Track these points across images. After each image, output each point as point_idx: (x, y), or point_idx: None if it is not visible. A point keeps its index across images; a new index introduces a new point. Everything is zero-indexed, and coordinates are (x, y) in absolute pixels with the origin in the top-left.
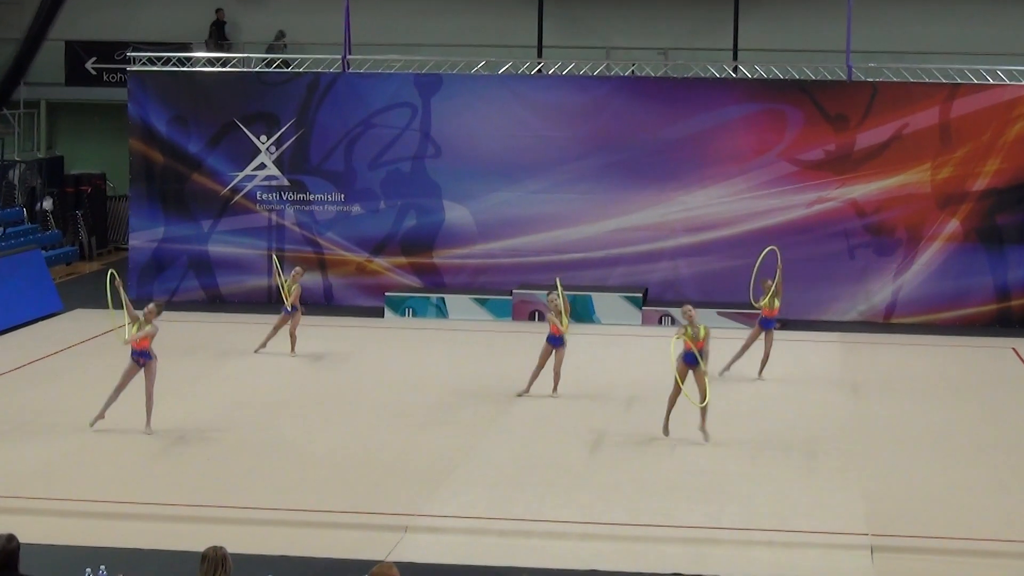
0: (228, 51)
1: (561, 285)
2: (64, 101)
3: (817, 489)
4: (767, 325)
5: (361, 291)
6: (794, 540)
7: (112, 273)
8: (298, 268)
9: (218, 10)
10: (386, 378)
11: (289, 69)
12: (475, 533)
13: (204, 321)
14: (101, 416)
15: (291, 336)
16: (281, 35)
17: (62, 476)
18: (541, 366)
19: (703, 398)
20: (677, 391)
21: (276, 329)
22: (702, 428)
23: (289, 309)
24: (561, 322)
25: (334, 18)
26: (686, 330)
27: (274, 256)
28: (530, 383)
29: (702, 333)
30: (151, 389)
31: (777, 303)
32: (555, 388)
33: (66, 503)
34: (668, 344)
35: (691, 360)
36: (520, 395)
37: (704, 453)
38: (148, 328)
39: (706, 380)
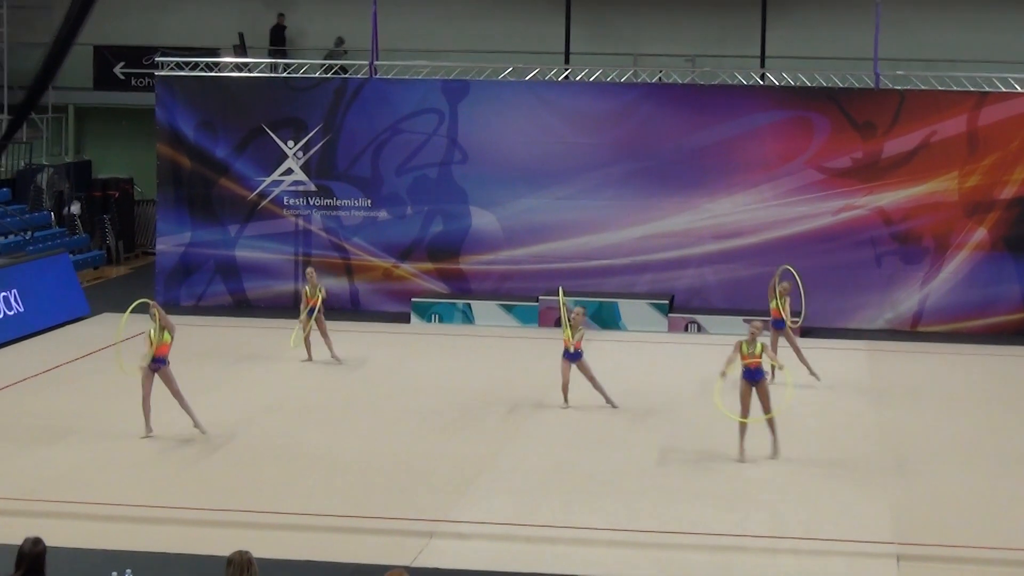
0: (287, 57)
1: (563, 294)
2: (92, 106)
3: (843, 497)
4: (777, 326)
5: (388, 297)
6: (820, 548)
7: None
8: (309, 270)
9: (280, 15)
10: (412, 384)
11: (316, 75)
12: (500, 539)
13: (231, 326)
14: (150, 430)
15: (324, 337)
16: (340, 41)
17: (89, 480)
18: (566, 379)
19: (767, 411)
20: (746, 414)
21: (308, 334)
22: (774, 445)
23: (309, 312)
24: (566, 335)
25: (361, 23)
26: (743, 346)
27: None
28: (565, 396)
29: (758, 349)
30: (177, 389)
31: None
32: (607, 399)
33: (93, 507)
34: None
35: (752, 376)
36: (564, 408)
37: (730, 460)
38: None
39: (769, 393)
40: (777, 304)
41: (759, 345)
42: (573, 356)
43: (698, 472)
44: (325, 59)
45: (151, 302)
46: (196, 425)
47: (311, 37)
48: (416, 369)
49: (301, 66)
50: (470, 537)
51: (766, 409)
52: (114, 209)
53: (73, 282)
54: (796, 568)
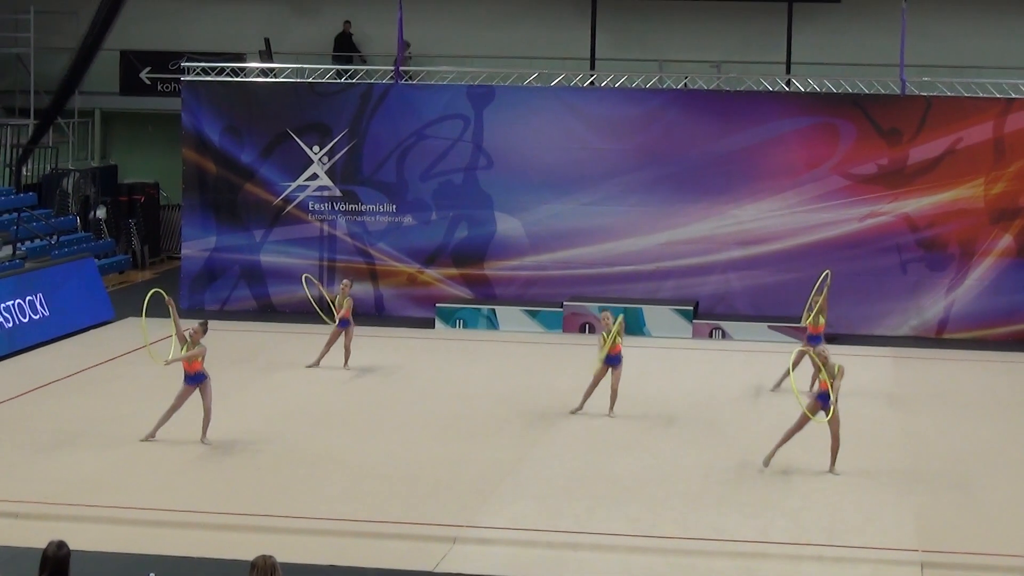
0: (353, 63)
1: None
2: (118, 110)
3: (868, 504)
4: (814, 342)
5: (412, 302)
6: (844, 555)
7: (160, 292)
8: (345, 281)
9: (346, 22)
10: (436, 389)
11: (342, 80)
12: (524, 545)
13: (255, 331)
14: (152, 436)
15: (345, 349)
16: (407, 45)
17: (113, 484)
18: (595, 384)
19: (834, 439)
20: (799, 428)
21: (329, 344)
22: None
23: (339, 323)
24: (605, 342)
25: (387, 29)
26: (821, 370)
27: (308, 277)
28: (584, 400)
29: (835, 371)
30: (209, 405)
31: (822, 320)
32: (611, 408)
33: (116, 511)
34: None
35: (826, 400)
36: (574, 412)
37: (753, 467)
38: (196, 350)
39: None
40: (811, 320)
41: (837, 367)
42: (614, 360)
43: (721, 478)
44: (392, 65)
45: (166, 297)
46: (204, 435)
47: (377, 43)
48: (440, 374)
49: (327, 71)
50: (493, 543)
51: (833, 437)
52: (139, 214)
53: (98, 286)
54: (820, 575)
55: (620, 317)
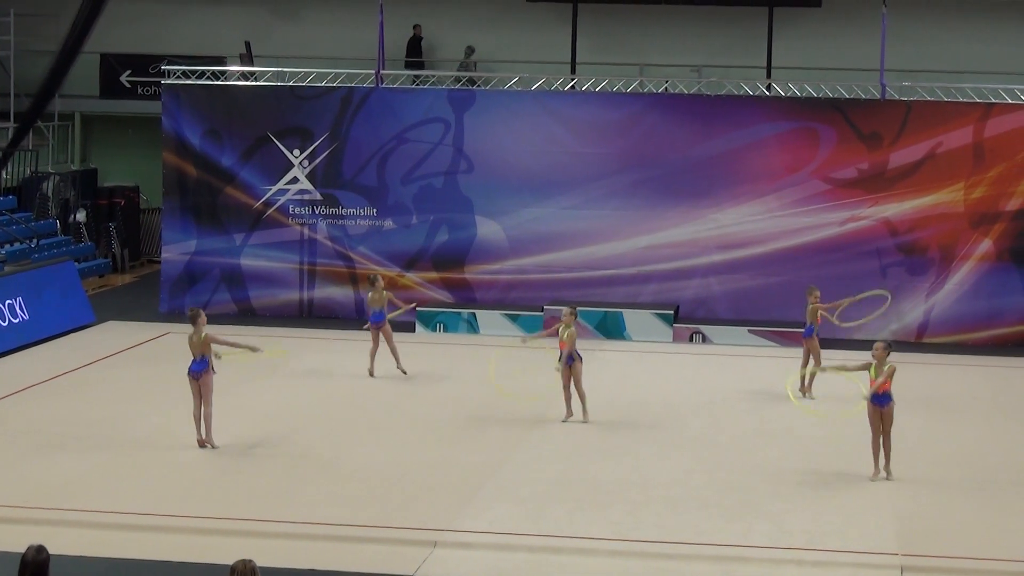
0: (421, 68)
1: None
2: (98, 114)
3: (848, 508)
4: (807, 333)
5: (393, 306)
6: (824, 559)
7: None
8: (379, 280)
9: (415, 26)
10: (416, 393)
11: (323, 84)
12: (504, 549)
13: (236, 334)
14: (207, 441)
15: (392, 352)
16: (471, 51)
17: (92, 488)
18: (566, 385)
19: (886, 433)
20: (877, 437)
21: (374, 351)
22: (887, 467)
23: (376, 318)
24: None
25: (367, 33)
26: (871, 370)
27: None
28: (568, 405)
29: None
30: (209, 401)
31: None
32: (585, 413)
33: (96, 515)
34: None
35: (880, 401)
36: (565, 421)
37: (735, 471)
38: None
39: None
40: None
41: (888, 368)
42: (568, 359)
43: (702, 482)
44: (458, 69)
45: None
46: (208, 436)
47: (444, 48)
48: (420, 378)
49: (308, 75)
50: (473, 547)
51: (886, 433)
52: (119, 217)
53: (78, 290)
54: None
55: (571, 330)
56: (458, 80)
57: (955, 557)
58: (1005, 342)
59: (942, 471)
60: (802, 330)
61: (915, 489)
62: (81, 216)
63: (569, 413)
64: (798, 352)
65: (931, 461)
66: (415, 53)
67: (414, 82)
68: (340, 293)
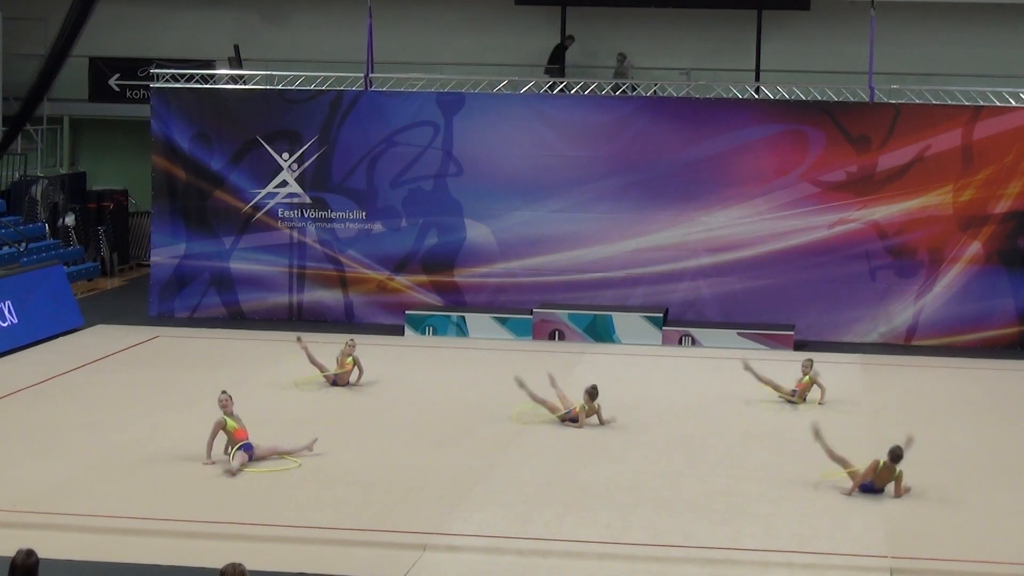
0: (562, 76)
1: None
2: (87, 117)
3: (837, 511)
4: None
5: (382, 309)
6: (813, 562)
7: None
8: (351, 340)
9: (568, 36)
10: (405, 396)
11: (312, 87)
12: (493, 552)
13: (225, 338)
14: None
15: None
16: (623, 58)
17: (81, 492)
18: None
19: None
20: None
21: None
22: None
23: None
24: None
25: (357, 36)
26: (878, 466)
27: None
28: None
29: (893, 475)
30: (271, 447)
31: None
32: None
33: (85, 519)
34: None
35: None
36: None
37: (724, 474)
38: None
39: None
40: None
41: (896, 471)
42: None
43: (691, 485)
44: (614, 77)
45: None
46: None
47: (597, 56)
48: (410, 382)
49: (296, 78)
50: (463, 550)
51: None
52: (109, 221)
53: (67, 294)
54: None
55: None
56: (616, 88)
57: (944, 560)
58: (994, 344)
59: (931, 473)
60: (791, 333)
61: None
62: (70, 220)
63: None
64: (787, 355)
65: (920, 464)
66: (558, 61)
67: (409, 85)
68: (329, 296)
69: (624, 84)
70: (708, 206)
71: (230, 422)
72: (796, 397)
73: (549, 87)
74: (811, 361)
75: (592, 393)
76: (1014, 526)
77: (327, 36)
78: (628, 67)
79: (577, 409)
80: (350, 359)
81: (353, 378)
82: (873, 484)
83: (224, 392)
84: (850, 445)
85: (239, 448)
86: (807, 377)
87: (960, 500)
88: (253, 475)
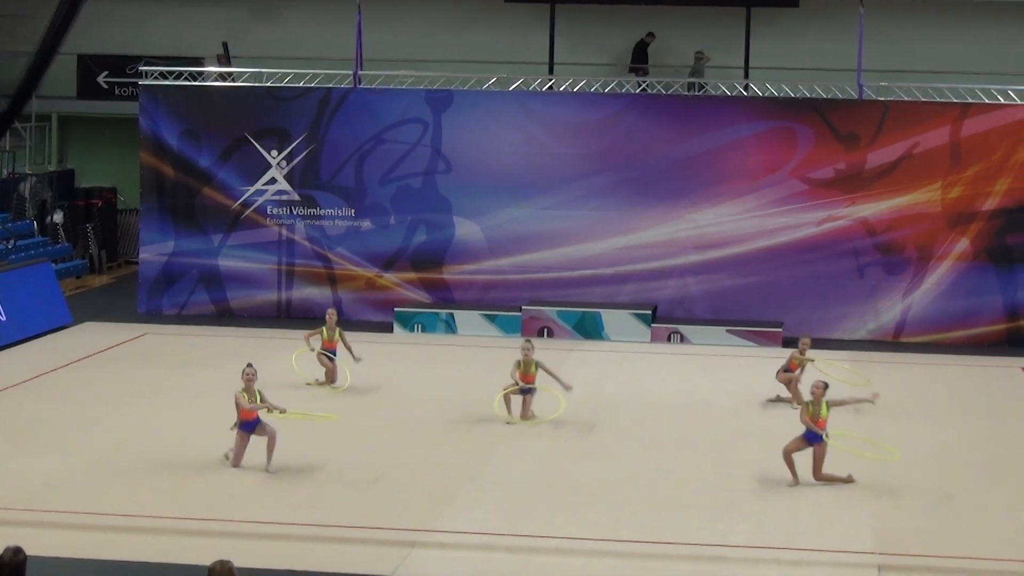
0: (645, 75)
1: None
2: (76, 114)
3: (826, 507)
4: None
5: (370, 306)
6: (802, 558)
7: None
8: (331, 310)
9: (649, 33)
10: (395, 394)
11: (300, 84)
12: (483, 549)
13: (214, 335)
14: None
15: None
16: (700, 55)
17: (70, 489)
18: (508, 400)
19: (816, 475)
20: (789, 451)
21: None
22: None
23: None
24: (528, 372)
25: (345, 33)
26: (808, 407)
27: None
28: (508, 408)
29: (824, 412)
30: (270, 433)
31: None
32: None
33: (73, 516)
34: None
35: (811, 438)
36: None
37: (714, 471)
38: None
39: (823, 459)
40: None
41: (824, 407)
42: (527, 390)
43: (681, 482)
44: (689, 76)
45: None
46: (268, 464)
47: (674, 54)
48: (398, 379)
49: (285, 76)
50: (452, 547)
51: (815, 473)
52: (97, 218)
53: (55, 291)
54: None
55: (525, 345)
56: (689, 87)
57: (932, 556)
58: (982, 341)
59: (919, 470)
60: (779, 330)
61: (892, 489)
62: (58, 217)
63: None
64: (776, 351)
65: (908, 460)
66: (641, 59)
67: (398, 83)
68: (318, 293)
69: (699, 82)
70: (697, 203)
71: (244, 398)
72: (786, 379)
73: (538, 84)
74: (809, 340)
75: (525, 349)
76: (1002, 522)
77: (316, 34)
78: (704, 65)
79: (520, 373)
80: (336, 331)
81: (342, 359)
82: (814, 428)
83: (250, 365)
84: (837, 441)
85: (238, 427)
86: (800, 356)
87: (948, 497)
88: (242, 471)
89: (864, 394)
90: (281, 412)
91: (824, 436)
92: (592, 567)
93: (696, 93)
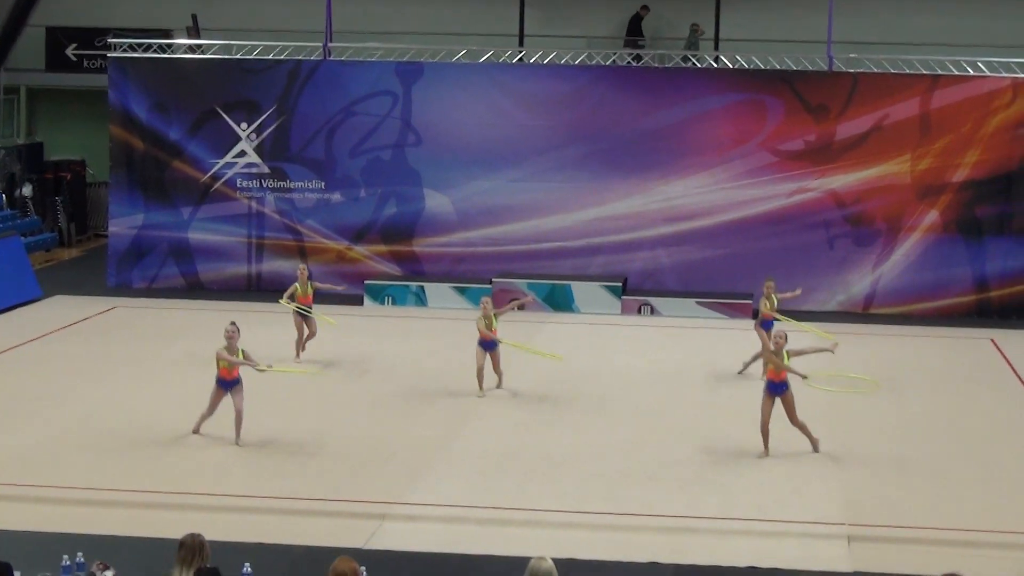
0: (641, 48)
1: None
2: (44, 87)
3: (795, 479)
4: (767, 326)
5: (341, 279)
6: (772, 529)
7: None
8: (302, 266)
9: (643, 7)
10: (365, 366)
11: (270, 56)
12: (453, 521)
13: (184, 308)
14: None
15: (311, 335)
16: (695, 28)
17: (40, 463)
18: (481, 365)
19: (793, 421)
20: (765, 422)
21: (302, 337)
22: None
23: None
24: (490, 327)
25: (315, 5)
26: (771, 359)
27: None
28: (481, 383)
29: (786, 363)
30: (240, 406)
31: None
32: (500, 383)
33: (43, 489)
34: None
35: (775, 389)
36: (480, 397)
37: (683, 443)
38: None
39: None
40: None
41: (786, 356)
42: (491, 345)
43: (650, 454)
44: (685, 48)
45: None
46: (237, 438)
47: (669, 26)
48: (369, 352)
49: (255, 48)
50: (422, 520)
51: (791, 420)
52: (66, 191)
53: (25, 264)
54: (748, 549)
55: (484, 299)
56: (686, 60)
57: (901, 527)
58: (951, 313)
59: (888, 441)
60: (749, 302)
61: (861, 460)
62: (27, 190)
63: (481, 390)
64: (746, 323)
65: (877, 431)
66: (636, 32)
67: (367, 55)
68: (288, 266)
69: (695, 55)
70: (667, 175)
71: (223, 356)
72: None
73: (508, 57)
74: (773, 283)
75: (484, 304)
76: (970, 493)
77: (285, 5)
78: (699, 38)
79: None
80: (309, 285)
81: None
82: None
83: (232, 323)
84: (806, 412)
85: (216, 383)
86: (768, 301)
87: (917, 468)
88: (211, 444)
89: (824, 344)
90: (264, 369)
91: (788, 384)
92: (562, 539)
93: (697, 66)
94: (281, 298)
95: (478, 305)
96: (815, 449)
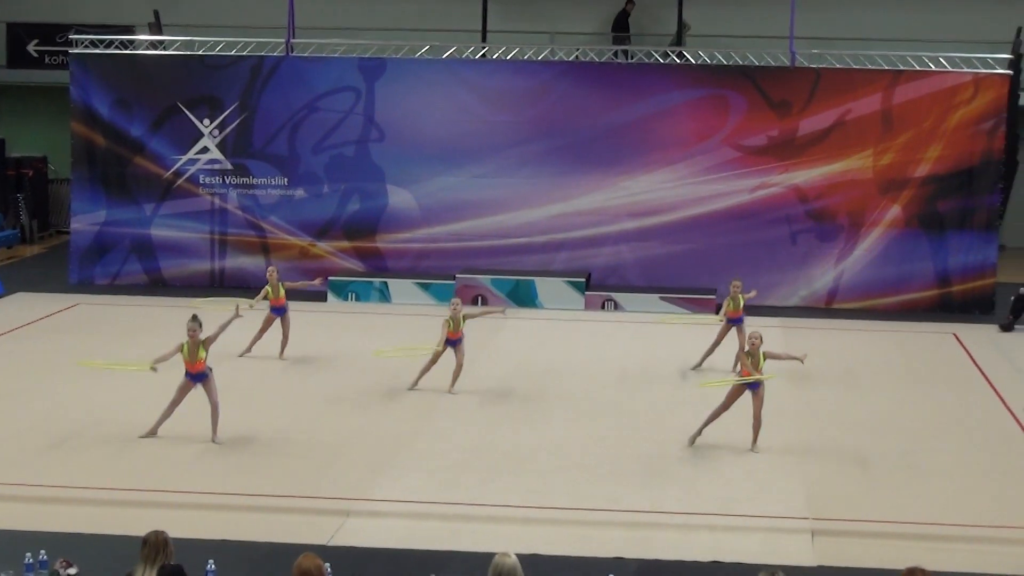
0: (627, 44)
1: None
2: (5, 84)
3: (759, 474)
4: (736, 323)
5: (304, 275)
6: (736, 524)
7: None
8: (271, 268)
9: (630, 2)
10: (329, 363)
11: (232, 53)
12: (416, 517)
13: (146, 305)
14: (153, 433)
15: (285, 337)
16: (686, 26)
17: (2, 460)
18: (433, 363)
19: (756, 422)
20: (723, 409)
21: (262, 331)
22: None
23: (275, 311)
24: (457, 328)
25: (278, 2)
26: (746, 359)
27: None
28: (419, 378)
29: (761, 363)
30: (215, 400)
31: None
32: (453, 385)
33: (5, 487)
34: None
35: (750, 386)
36: (411, 389)
37: (647, 438)
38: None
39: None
40: (731, 306)
41: (761, 357)
42: (454, 343)
43: (614, 449)
44: (671, 45)
45: (196, 319)
46: (215, 435)
47: (656, 23)
48: (332, 348)
49: (217, 44)
50: (386, 516)
51: (756, 414)
52: (28, 188)
53: None
54: (712, 544)
55: (454, 301)
56: (666, 56)
57: (864, 521)
58: (913, 308)
59: (851, 436)
60: (713, 297)
61: (825, 454)
62: None
63: (415, 384)
64: (709, 318)
65: (840, 426)
66: (622, 28)
67: (330, 51)
68: (251, 263)
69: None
70: (630, 171)
71: (185, 349)
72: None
73: (471, 52)
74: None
75: (454, 305)
76: (933, 487)
77: (248, 1)
78: (686, 35)
79: (450, 332)
80: (279, 287)
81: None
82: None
83: (194, 318)
84: (769, 407)
85: (184, 375)
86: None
87: (880, 462)
88: (174, 441)
89: (797, 354)
90: (231, 319)
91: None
92: (525, 534)
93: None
94: (251, 303)
95: (444, 301)
96: (752, 448)
